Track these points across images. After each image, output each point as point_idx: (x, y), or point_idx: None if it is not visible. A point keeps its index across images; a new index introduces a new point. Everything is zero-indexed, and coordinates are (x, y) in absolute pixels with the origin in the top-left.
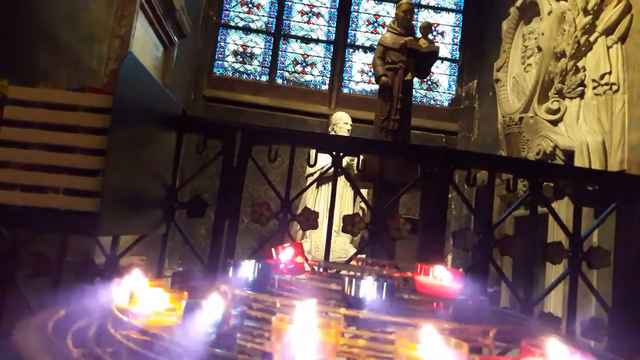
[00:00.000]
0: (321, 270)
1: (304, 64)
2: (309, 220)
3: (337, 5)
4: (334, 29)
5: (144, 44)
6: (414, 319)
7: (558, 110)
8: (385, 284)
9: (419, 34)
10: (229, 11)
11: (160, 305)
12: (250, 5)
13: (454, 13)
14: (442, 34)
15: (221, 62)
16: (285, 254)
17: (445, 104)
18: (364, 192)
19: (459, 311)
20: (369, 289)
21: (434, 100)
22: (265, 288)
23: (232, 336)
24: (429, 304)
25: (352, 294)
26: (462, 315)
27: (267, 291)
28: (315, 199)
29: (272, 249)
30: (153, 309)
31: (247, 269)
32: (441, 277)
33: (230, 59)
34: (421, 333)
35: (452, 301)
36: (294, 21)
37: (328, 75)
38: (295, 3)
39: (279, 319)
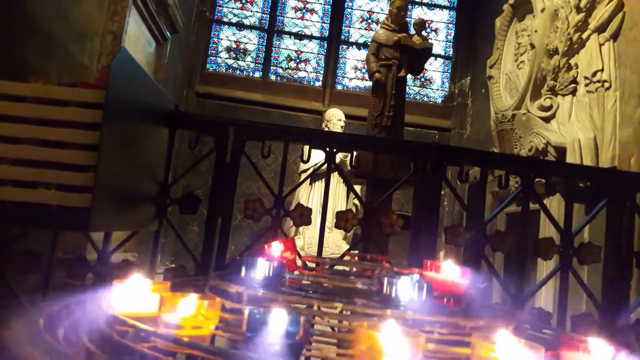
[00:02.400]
0: (320, 267)
1: (298, 61)
2: (302, 216)
3: (331, 1)
4: (328, 25)
5: (137, 39)
6: (452, 318)
7: (550, 107)
8: (425, 284)
9: (412, 31)
10: (222, 7)
11: (189, 312)
12: (243, 1)
13: (448, 10)
14: (435, 31)
15: (214, 58)
16: (275, 250)
17: (439, 100)
18: (357, 188)
19: (469, 307)
20: (407, 288)
21: (427, 97)
22: (278, 288)
23: (302, 346)
24: (440, 299)
25: (392, 294)
26: (474, 311)
27: (285, 292)
28: (309, 195)
29: (264, 246)
30: (182, 316)
31: (259, 267)
32: (449, 273)
33: (224, 55)
34: (497, 335)
35: (462, 297)
36: (287, 17)
37: (322, 72)
38: None
39: (361, 326)
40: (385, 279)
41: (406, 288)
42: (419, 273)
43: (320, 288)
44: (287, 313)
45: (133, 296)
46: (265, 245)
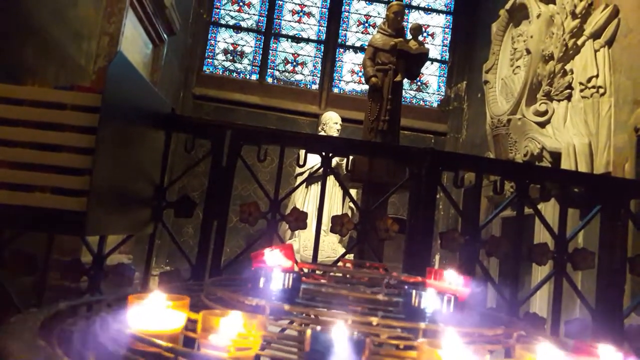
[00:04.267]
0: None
1: (295, 63)
2: (298, 220)
3: (328, 5)
4: (325, 28)
5: (133, 41)
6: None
7: (546, 112)
8: (453, 297)
9: (409, 36)
10: (220, 9)
11: (232, 332)
12: (241, 4)
13: (444, 15)
14: (432, 35)
15: (211, 60)
16: (273, 257)
17: (435, 104)
18: (353, 192)
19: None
20: (434, 301)
21: (423, 101)
22: (295, 300)
23: None
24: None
25: (419, 306)
26: (475, 318)
27: (302, 303)
28: (305, 198)
29: (261, 251)
30: (230, 338)
31: (276, 279)
32: (451, 280)
33: (221, 57)
34: (538, 346)
35: (463, 304)
36: (284, 20)
37: (318, 75)
38: (286, 2)
39: (423, 343)
40: (414, 291)
41: (433, 300)
42: (422, 281)
43: (337, 299)
44: (350, 333)
45: (148, 312)
46: (262, 251)
